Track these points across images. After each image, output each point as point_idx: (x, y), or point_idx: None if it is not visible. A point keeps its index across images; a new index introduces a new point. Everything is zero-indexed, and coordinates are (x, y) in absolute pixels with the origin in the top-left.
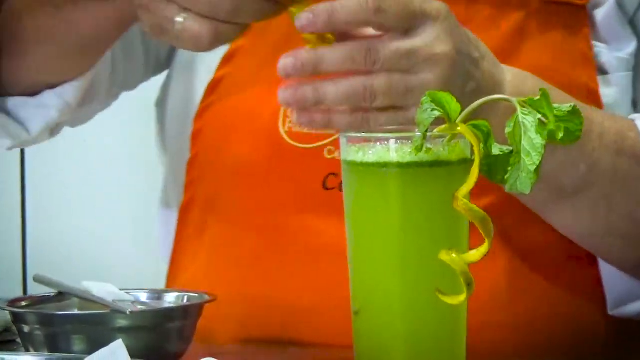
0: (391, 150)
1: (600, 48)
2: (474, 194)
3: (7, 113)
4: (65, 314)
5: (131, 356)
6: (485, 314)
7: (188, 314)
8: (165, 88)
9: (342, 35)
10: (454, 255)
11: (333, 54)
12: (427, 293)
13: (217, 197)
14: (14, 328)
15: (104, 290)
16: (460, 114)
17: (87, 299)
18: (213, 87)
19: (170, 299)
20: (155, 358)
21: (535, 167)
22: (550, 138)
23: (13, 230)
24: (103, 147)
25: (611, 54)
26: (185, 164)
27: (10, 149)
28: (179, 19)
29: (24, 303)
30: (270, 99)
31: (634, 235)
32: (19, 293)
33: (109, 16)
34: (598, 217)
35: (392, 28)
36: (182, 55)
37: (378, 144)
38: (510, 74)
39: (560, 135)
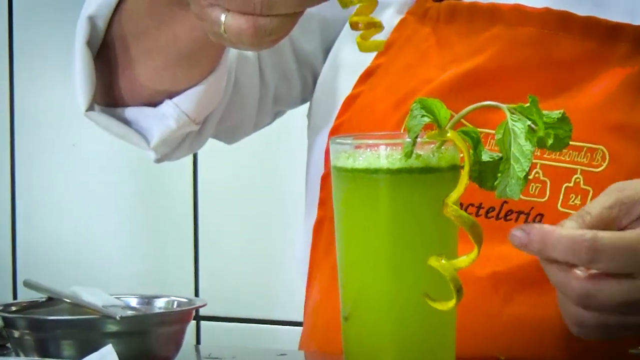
0: (381, 156)
1: None
2: None
3: (129, 123)
4: (55, 319)
5: None
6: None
7: (178, 319)
8: (312, 100)
9: None
10: (443, 261)
11: None
12: (417, 299)
13: None
14: (5, 333)
15: (94, 295)
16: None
17: (77, 304)
18: (348, 103)
19: (160, 304)
20: None
21: (524, 173)
22: (540, 144)
23: (3, 235)
24: (92, 151)
25: None
26: (319, 180)
27: (157, 162)
28: (222, 19)
29: (14, 308)
30: (394, 115)
31: None
32: (9, 298)
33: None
34: None
35: (610, 272)
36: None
37: (368, 150)
38: None
39: (550, 141)
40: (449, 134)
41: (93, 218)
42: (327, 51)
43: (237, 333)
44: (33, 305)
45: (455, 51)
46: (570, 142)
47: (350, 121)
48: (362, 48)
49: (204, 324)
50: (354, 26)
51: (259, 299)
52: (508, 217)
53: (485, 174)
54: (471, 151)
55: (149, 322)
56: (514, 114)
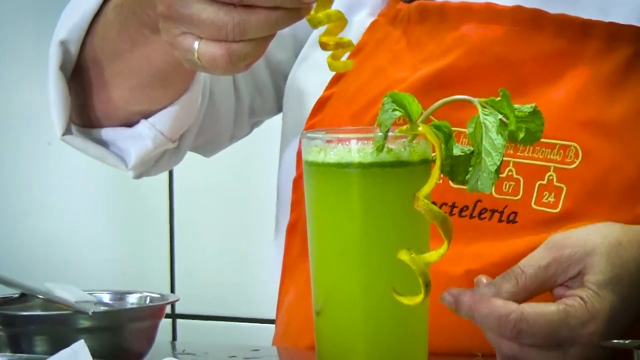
0: (352, 150)
1: None
2: None
3: (106, 144)
4: (27, 315)
5: (93, 357)
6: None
7: (150, 315)
8: (284, 104)
9: None
10: (413, 255)
11: None
12: (388, 293)
13: None
14: None
15: (67, 291)
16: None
17: (49, 300)
18: (320, 105)
19: (133, 300)
20: (118, 359)
21: (495, 167)
22: (512, 138)
23: None
24: (68, 150)
25: None
26: (291, 183)
27: (136, 178)
28: (195, 47)
29: None
30: (366, 116)
31: None
32: None
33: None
34: None
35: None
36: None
37: (339, 144)
38: None
39: (521, 135)
40: (420, 128)
41: (68, 215)
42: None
43: (213, 331)
44: (6, 301)
45: (427, 51)
46: (543, 140)
47: (322, 123)
48: (332, 68)
49: (180, 322)
50: (323, 46)
51: (234, 297)
52: (482, 216)
53: (457, 168)
54: (443, 145)
55: (121, 317)
56: (485, 107)
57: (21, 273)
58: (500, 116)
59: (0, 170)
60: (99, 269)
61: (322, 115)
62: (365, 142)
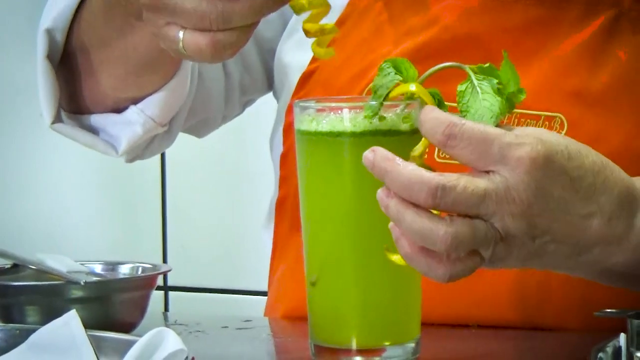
0: (345, 119)
1: None
2: None
3: (95, 131)
4: (19, 285)
5: (85, 327)
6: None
7: (142, 285)
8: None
9: None
10: None
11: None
12: (381, 261)
13: None
14: None
15: (58, 261)
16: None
17: (41, 270)
18: (304, 79)
19: (125, 271)
20: (110, 329)
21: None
22: (510, 103)
23: None
24: None
25: None
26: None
27: (129, 162)
28: (179, 37)
29: None
30: (353, 89)
31: None
32: None
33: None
34: None
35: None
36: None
37: (332, 113)
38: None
39: (522, 97)
40: (414, 88)
41: (61, 188)
42: None
43: (206, 303)
44: None
45: (409, 24)
46: (528, 111)
47: (307, 97)
48: (316, 54)
49: (172, 294)
50: (306, 33)
51: (226, 269)
52: None
53: None
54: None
55: (113, 287)
56: (477, 73)
57: (13, 245)
58: (495, 81)
59: None
60: (91, 242)
61: (306, 90)
62: (358, 110)
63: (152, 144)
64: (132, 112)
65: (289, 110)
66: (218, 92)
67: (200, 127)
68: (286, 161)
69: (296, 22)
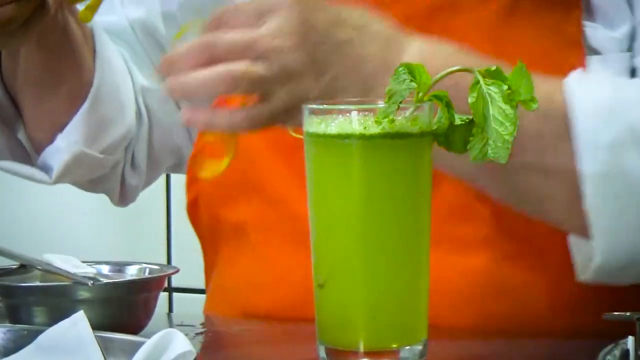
0: (354, 122)
1: (593, 28)
2: None
3: (35, 163)
4: (26, 286)
5: (93, 328)
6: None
7: (150, 286)
8: None
9: None
10: None
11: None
12: (390, 264)
13: None
14: None
15: (66, 262)
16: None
17: (49, 271)
18: None
19: (132, 272)
20: (117, 330)
21: (511, 136)
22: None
23: None
24: None
25: (605, 34)
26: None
27: (118, 205)
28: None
29: None
30: None
31: (562, 196)
32: None
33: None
34: (525, 181)
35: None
36: None
37: (340, 115)
38: (416, 49)
39: (534, 106)
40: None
41: (66, 189)
42: None
43: None
44: (5, 272)
45: None
46: None
47: None
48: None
49: (176, 295)
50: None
51: None
52: None
53: (453, 137)
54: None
55: (121, 288)
56: (486, 78)
57: (18, 245)
58: (505, 87)
59: None
60: (95, 243)
61: None
62: (367, 113)
63: (125, 182)
64: (59, 138)
65: None
66: (173, 121)
67: (174, 158)
68: (191, 165)
69: None
